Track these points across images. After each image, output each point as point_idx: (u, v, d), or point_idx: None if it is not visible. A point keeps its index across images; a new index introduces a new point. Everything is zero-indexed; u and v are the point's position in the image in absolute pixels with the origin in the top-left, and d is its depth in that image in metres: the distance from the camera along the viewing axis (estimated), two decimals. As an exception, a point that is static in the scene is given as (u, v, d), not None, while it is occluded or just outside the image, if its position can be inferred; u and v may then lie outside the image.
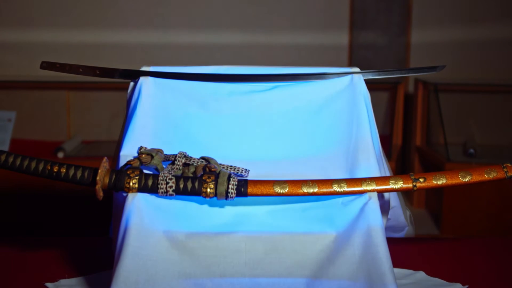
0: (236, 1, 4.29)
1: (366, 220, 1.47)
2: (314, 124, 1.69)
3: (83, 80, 3.85)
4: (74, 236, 2.03)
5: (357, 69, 1.73)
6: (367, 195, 1.51)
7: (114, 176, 1.50)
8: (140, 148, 1.56)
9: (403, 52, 4.33)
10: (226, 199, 1.50)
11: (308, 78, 1.71)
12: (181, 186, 1.49)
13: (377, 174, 1.61)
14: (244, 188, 1.50)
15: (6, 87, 4.19)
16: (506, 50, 4.28)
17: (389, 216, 1.67)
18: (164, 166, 1.54)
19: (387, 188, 1.54)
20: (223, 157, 1.61)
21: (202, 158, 1.56)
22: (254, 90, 1.71)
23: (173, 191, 1.49)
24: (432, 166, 3.97)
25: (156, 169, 1.54)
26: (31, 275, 1.66)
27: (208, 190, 1.49)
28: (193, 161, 1.55)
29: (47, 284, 1.59)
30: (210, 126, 1.68)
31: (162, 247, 1.44)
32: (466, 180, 1.57)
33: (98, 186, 1.48)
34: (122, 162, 1.57)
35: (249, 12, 4.29)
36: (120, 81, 1.77)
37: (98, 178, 1.48)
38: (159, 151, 1.56)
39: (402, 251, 1.84)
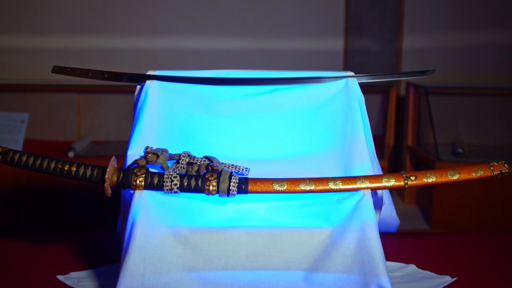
0: (237, 9, 4.29)
1: (360, 216, 1.47)
2: (311, 125, 1.69)
3: (92, 83, 3.86)
4: (84, 231, 2.03)
5: (352, 73, 1.73)
6: (361, 192, 1.51)
7: (121, 174, 1.50)
8: (147, 148, 1.56)
9: (395, 57, 4.33)
10: (227, 196, 1.50)
11: (305, 82, 1.71)
12: (185, 183, 1.49)
13: (370, 173, 1.60)
14: (244, 185, 1.50)
15: (19, 90, 4.19)
16: (492, 55, 4.28)
17: (381, 212, 1.67)
18: (169, 165, 1.54)
19: (380, 186, 1.54)
20: (225, 156, 1.61)
21: (205, 157, 1.56)
22: (254, 93, 1.71)
23: (177, 188, 1.49)
24: (422, 165, 3.97)
25: (162, 167, 1.54)
26: (43, 268, 1.66)
27: (211, 187, 1.49)
28: (197, 160, 1.55)
29: (58, 276, 1.59)
30: (212, 127, 1.68)
31: (167, 242, 1.44)
32: (455, 178, 1.57)
33: (106, 184, 1.48)
34: (129, 161, 1.57)
35: (249, 19, 4.29)
36: (128, 84, 1.76)
37: (106, 176, 1.48)
38: (164, 150, 1.56)
39: (394, 245, 1.84)
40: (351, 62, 4.33)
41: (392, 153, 4.16)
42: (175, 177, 1.49)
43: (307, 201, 1.56)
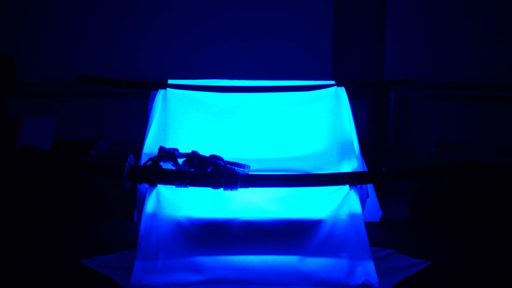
0: (239, 25, 4.29)
1: (348, 207, 1.47)
2: (305, 127, 1.69)
3: (112, 90, 3.86)
4: (105, 221, 2.03)
5: (340, 82, 1.74)
6: (348, 186, 1.52)
7: (138, 171, 1.50)
8: (160, 147, 1.56)
9: (378, 67, 4.33)
10: (231, 189, 1.50)
11: (299, 89, 1.72)
12: (194, 179, 1.49)
13: (356, 169, 1.61)
14: (246, 180, 1.50)
15: (48, 96, 4.19)
16: (463, 65, 4.30)
17: (366, 204, 1.68)
18: (179, 163, 1.55)
19: (365, 181, 1.54)
20: (229, 155, 1.61)
21: (211, 155, 1.56)
22: (255, 100, 1.72)
23: (187, 183, 1.49)
24: (402, 163, 3.97)
25: (173, 165, 1.54)
26: (69, 252, 1.66)
27: (216, 182, 1.49)
28: (204, 158, 1.55)
29: (83, 260, 1.59)
30: (217, 129, 1.69)
31: (177, 230, 1.45)
32: (430, 173, 1.57)
33: (124, 179, 1.48)
34: (145, 159, 1.57)
35: (250, 33, 4.30)
36: (143, 91, 1.77)
37: (124, 172, 1.48)
38: (175, 150, 1.56)
39: (377, 233, 1.84)
40: (339, 72, 4.33)
41: (376, 152, 4.17)
42: (184, 173, 1.49)
43: (301, 194, 1.56)
